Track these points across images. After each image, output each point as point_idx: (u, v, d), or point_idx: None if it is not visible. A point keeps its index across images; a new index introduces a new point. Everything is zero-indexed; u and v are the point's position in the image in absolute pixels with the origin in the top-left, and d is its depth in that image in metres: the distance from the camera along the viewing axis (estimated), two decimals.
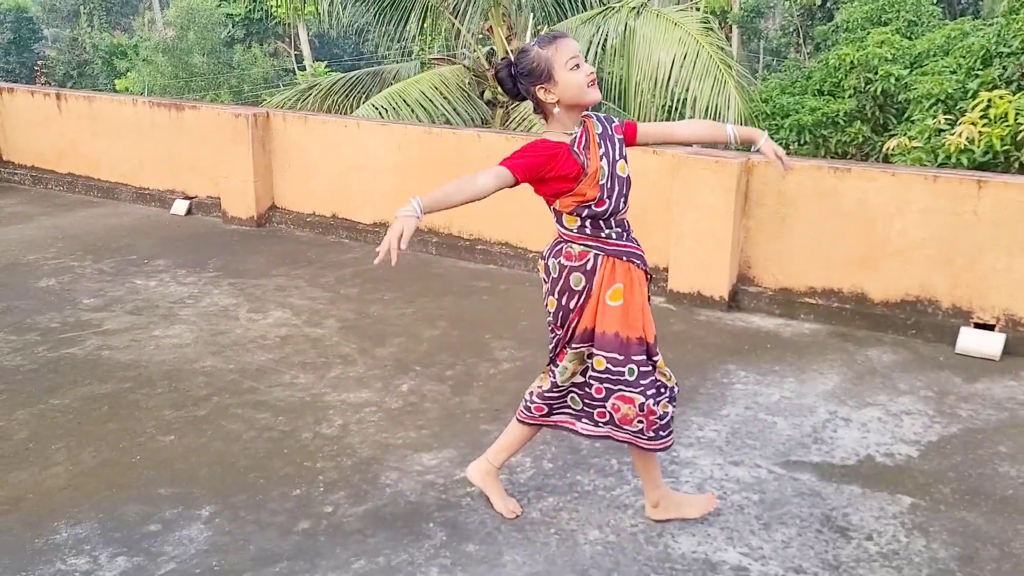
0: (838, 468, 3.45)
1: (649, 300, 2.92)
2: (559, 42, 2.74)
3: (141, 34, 36.50)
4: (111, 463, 3.45)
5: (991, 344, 4.51)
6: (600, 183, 2.75)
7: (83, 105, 8.16)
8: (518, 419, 3.08)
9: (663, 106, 11.91)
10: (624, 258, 2.81)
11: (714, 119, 11.29)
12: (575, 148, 2.75)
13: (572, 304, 2.84)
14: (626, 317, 2.79)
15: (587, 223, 2.79)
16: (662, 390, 2.87)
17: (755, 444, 3.63)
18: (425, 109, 11.29)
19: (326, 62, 32.33)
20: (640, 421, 2.83)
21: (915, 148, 8.36)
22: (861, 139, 13.29)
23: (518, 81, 2.79)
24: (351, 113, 11.85)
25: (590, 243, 2.80)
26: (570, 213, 2.79)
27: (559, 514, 3.13)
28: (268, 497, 3.22)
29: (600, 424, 2.95)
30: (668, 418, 2.89)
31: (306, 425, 3.77)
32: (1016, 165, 7.30)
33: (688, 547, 2.94)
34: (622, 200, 2.81)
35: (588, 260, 2.80)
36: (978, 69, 9.62)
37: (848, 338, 4.80)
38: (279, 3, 12.73)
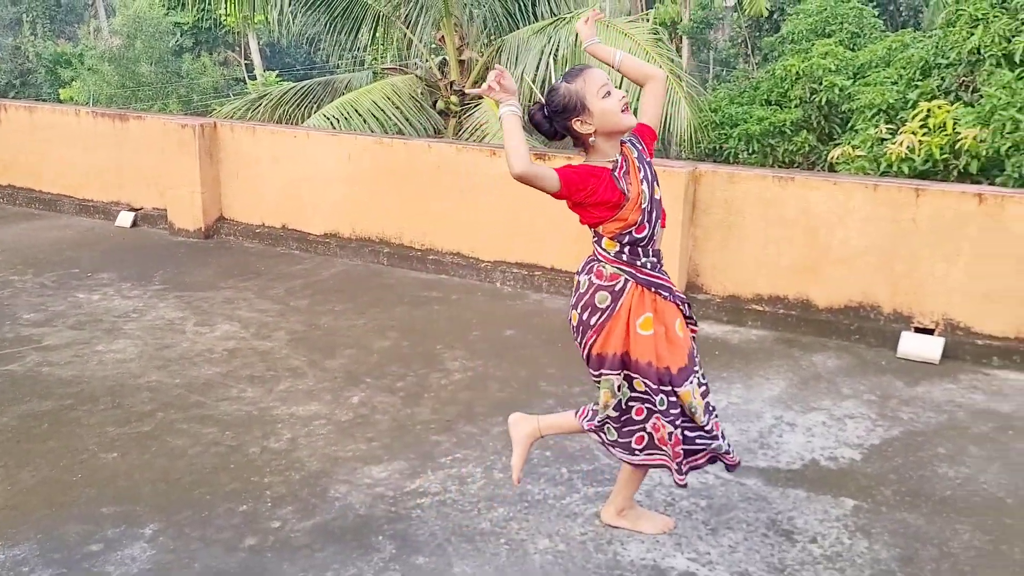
0: (784, 472, 3.51)
1: (693, 333, 2.96)
2: (587, 73, 2.77)
3: (86, 43, 35.76)
4: (51, 482, 3.37)
5: (931, 348, 4.63)
6: (642, 207, 2.78)
7: (24, 115, 7.98)
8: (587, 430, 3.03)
9: None
10: (652, 289, 2.83)
11: (664, 128, 11.44)
12: (616, 174, 2.76)
13: (592, 320, 2.84)
14: (656, 347, 2.82)
15: (626, 249, 2.81)
16: (686, 420, 2.89)
17: None
18: (377, 119, 11.25)
19: (277, 71, 32.02)
20: (668, 448, 2.87)
21: (859, 157, 8.57)
22: (807, 148, 13.56)
23: (553, 120, 2.79)
24: (303, 123, 11.76)
25: (623, 268, 2.82)
26: (611, 238, 2.81)
27: (509, 524, 3.13)
28: (214, 513, 3.17)
29: (636, 452, 2.93)
30: (689, 449, 2.91)
31: (254, 439, 3.72)
32: (955, 173, 7.53)
33: (637, 554, 2.96)
34: (658, 224, 2.84)
35: (618, 282, 2.82)
36: (918, 80, 9.90)
37: (794, 344, 4.88)
38: (229, 12, 12.58)
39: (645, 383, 2.83)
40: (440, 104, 11.74)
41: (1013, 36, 8.51)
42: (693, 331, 2.99)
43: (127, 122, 7.35)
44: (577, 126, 2.77)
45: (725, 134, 14.63)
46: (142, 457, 3.56)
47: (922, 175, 7.62)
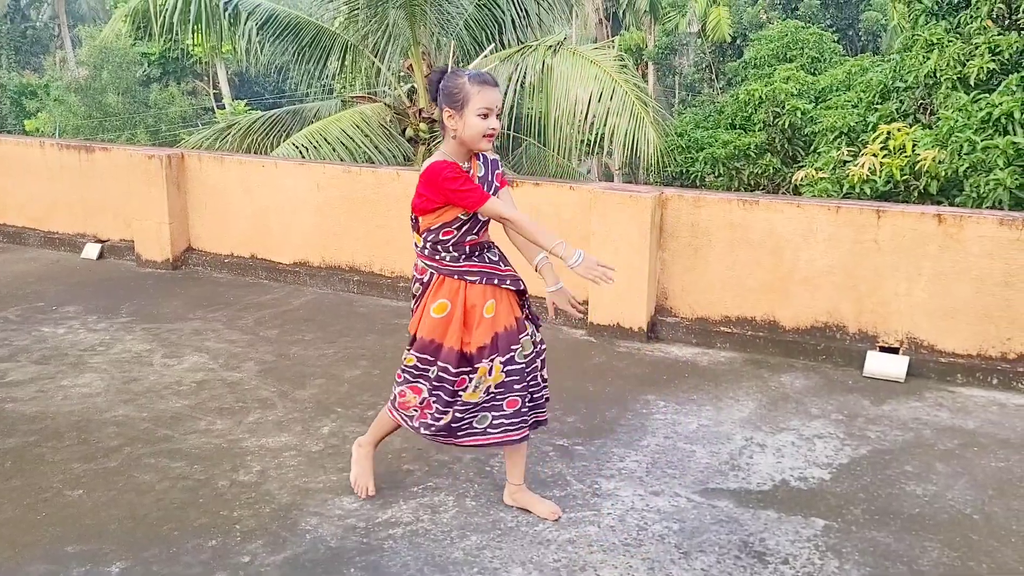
0: (755, 493, 3.53)
1: (524, 314, 3.31)
2: (485, 87, 3.01)
3: (52, 73, 35.51)
4: (14, 521, 3.30)
5: (896, 366, 4.70)
6: (458, 215, 3.09)
7: None
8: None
9: (582, 141, 12.15)
10: (455, 276, 3.16)
11: (631, 152, 11.57)
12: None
13: (413, 306, 3.30)
14: (446, 327, 3.15)
15: (428, 245, 3.18)
16: (454, 397, 3.18)
17: (675, 473, 3.69)
18: (346, 147, 11.28)
19: (246, 100, 31.98)
20: (415, 411, 3.25)
21: (822, 179, 8.72)
22: (772, 171, 13.79)
23: (438, 94, 3.07)
24: (272, 152, 11.75)
25: (429, 263, 3.20)
26: (421, 232, 3.18)
27: (482, 552, 3.11)
28: (182, 549, 3.12)
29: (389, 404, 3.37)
30: (443, 422, 3.20)
31: (223, 473, 3.68)
32: (915, 194, 7.68)
33: None
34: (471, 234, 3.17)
35: (425, 275, 3.23)
36: (877, 103, 10.12)
37: (762, 365, 4.93)
38: (196, 42, 12.57)
39: (423, 357, 3.19)
40: (409, 132, 11.79)
41: (967, 60, 8.74)
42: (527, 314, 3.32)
43: (93, 153, 7.29)
44: (446, 117, 3.05)
45: (691, 158, 14.84)
46: (108, 494, 3.51)
47: (884, 196, 7.78)
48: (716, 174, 14.44)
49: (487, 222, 3.20)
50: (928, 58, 9.10)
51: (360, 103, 12.30)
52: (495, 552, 3.12)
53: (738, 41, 25.64)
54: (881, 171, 7.81)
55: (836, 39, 18.52)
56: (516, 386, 3.19)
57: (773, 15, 26.82)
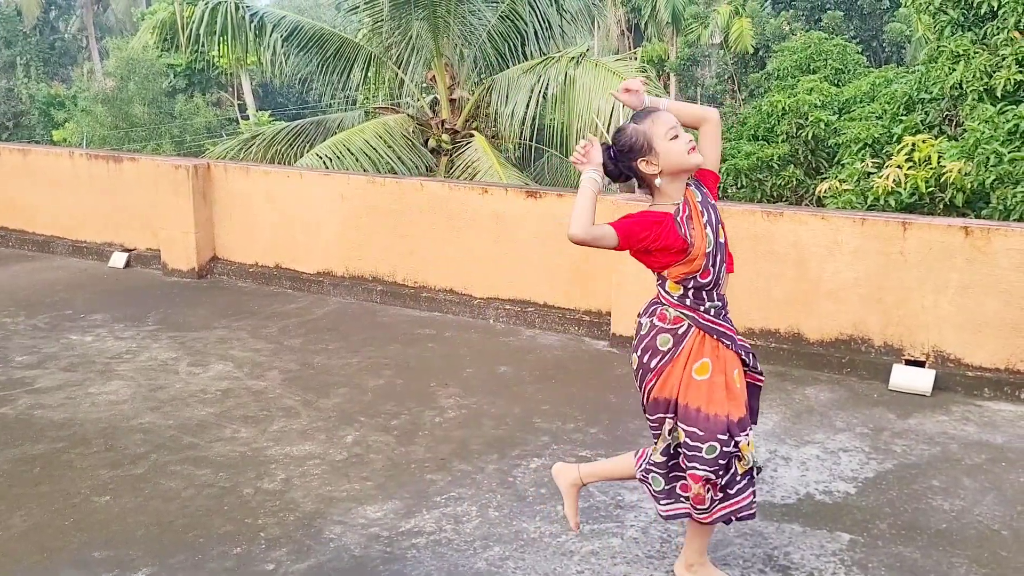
0: (779, 507, 3.51)
1: (756, 381, 2.92)
2: (656, 115, 2.78)
3: (80, 84, 36.02)
4: (43, 527, 3.34)
5: (922, 380, 4.65)
6: (707, 252, 2.77)
7: (17, 158, 8.02)
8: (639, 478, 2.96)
9: None
10: (715, 336, 2.80)
11: None
12: (678, 219, 2.75)
13: (653, 363, 2.83)
14: (711, 394, 2.76)
15: (690, 293, 2.80)
16: (731, 468, 2.80)
17: None
18: (369, 158, 11.34)
19: (270, 111, 32.31)
20: (708, 499, 2.79)
21: (846, 191, 8.67)
22: (795, 182, 13.71)
23: (618, 160, 2.82)
24: (295, 162, 11.84)
25: (686, 312, 2.81)
26: (676, 282, 2.81)
27: (505, 563, 3.11)
28: (207, 556, 3.15)
29: (682, 499, 2.86)
30: (733, 490, 2.81)
31: (247, 481, 3.71)
32: (940, 206, 7.62)
33: None
34: (723, 268, 2.84)
35: (681, 326, 2.81)
36: (902, 115, 10.05)
37: (786, 377, 4.90)
38: (222, 53, 12.72)
39: (689, 431, 2.76)
40: (432, 142, 11.85)
41: (994, 71, 8.67)
42: (758, 381, 2.93)
43: (121, 163, 7.39)
44: (643, 166, 2.77)
45: None
46: (135, 500, 3.54)
47: (908, 208, 7.72)
48: (738, 185, 14.38)
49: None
50: (954, 69, 9.04)
51: (383, 114, 12.38)
52: (518, 563, 3.11)
53: (760, 52, 25.58)
54: (906, 183, 7.76)
55: (860, 50, 18.44)
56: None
57: (796, 26, 26.74)
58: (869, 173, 8.73)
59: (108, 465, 3.84)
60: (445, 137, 11.78)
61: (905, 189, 7.72)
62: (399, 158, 11.39)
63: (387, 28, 11.80)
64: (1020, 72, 8.35)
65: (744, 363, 2.87)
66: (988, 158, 7.42)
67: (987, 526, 3.36)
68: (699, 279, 2.78)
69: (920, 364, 4.77)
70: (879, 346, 4.90)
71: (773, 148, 14.14)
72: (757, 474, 2.88)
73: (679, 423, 2.80)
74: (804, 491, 3.63)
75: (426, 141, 11.89)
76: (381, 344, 5.43)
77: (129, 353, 5.24)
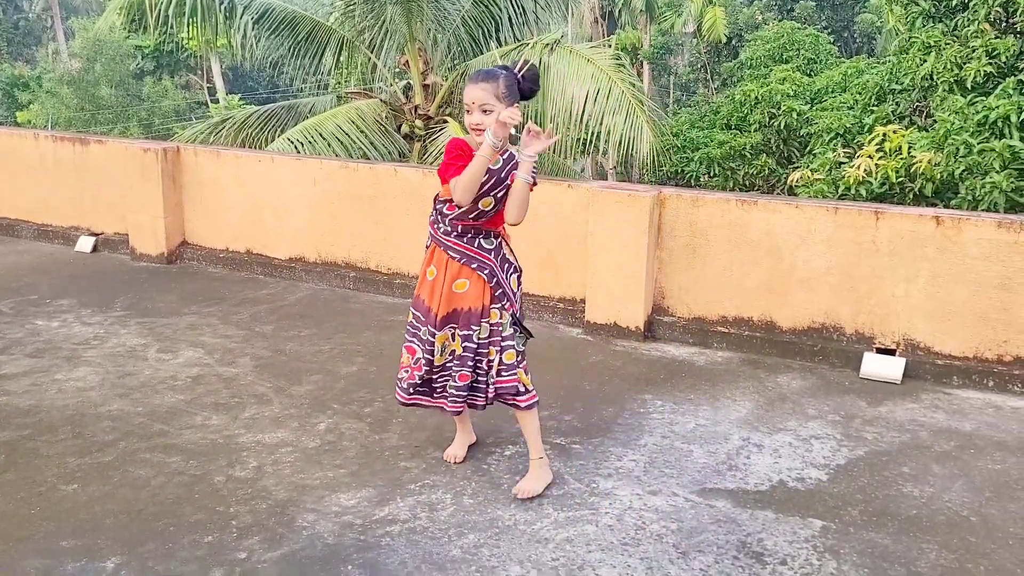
0: (752, 494, 3.53)
1: (497, 305, 3.43)
2: (468, 84, 3.25)
3: (45, 65, 35.29)
4: (8, 516, 3.27)
5: (893, 368, 4.70)
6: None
7: None
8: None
9: (578, 139, 12.15)
10: (442, 248, 3.43)
11: (627, 151, 11.57)
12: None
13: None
14: (431, 292, 3.44)
15: (434, 212, 3.48)
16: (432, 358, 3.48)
17: (672, 473, 3.69)
18: (341, 143, 11.23)
19: (240, 95, 31.89)
20: (406, 370, 3.56)
21: (817, 180, 8.73)
22: (767, 171, 13.81)
23: (520, 85, 3.33)
24: (266, 147, 11.69)
25: (430, 229, 3.50)
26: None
27: (480, 550, 3.10)
28: (178, 545, 3.10)
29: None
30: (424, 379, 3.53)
31: (219, 468, 3.66)
32: (910, 196, 7.70)
33: None
34: (479, 216, 3.37)
35: (428, 241, 3.55)
36: (873, 105, 10.13)
37: (759, 365, 4.93)
38: (191, 35, 12.51)
39: (416, 314, 3.51)
40: (405, 128, 11.75)
41: (964, 63, 8.76)
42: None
43: (88, 146, 7.25)
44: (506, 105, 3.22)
45: (687, 158, 14.86)
46: (103, 488, 3.48)
47: (879, 197, 7.79)
48: (711, 174, 14.45)
49: (492, 214, 3.40)
50: (925, 60, 9.11)
51: (356, 99, 12.25)
52: (493, 550, 3.11)
53: (734, 42, 25.68)
54: (877, 173, 7.83)
55: (831, 40, 18.55)
56: (468, 363, 3.45)
57: (769, 16, 26.87)
58: (840, 163, 8.80)
59: (76, 453, 3.77)
60: (418, 123, 11.69)
61: (876, 179, 7.79)
62: (372, 144, 11.29)
63: (360, 12, 11.67)
64: (990, 64, 8.43)
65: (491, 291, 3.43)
66: (958, 149, 7.50)
67: (956, 512, 3.41)
68: (445, 210, 3.39)
69: (891, 352, 4.82)
70: (851, 334, 4.95)
71: (745, 137, 14.21)
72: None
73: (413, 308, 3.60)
74: (777, 478, 3.66)
75: (399, 127, 11.79)
76: (354, 331, 5.39)
77: (97, 339, 5.15)
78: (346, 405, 4.31)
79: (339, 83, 13.93)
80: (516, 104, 3.23)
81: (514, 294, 3.47)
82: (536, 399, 3.52)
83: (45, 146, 7.46)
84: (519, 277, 3.54)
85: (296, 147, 11.04)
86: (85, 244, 7.15)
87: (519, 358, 3.49)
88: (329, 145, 11.18)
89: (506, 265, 3.48)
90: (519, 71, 3.29)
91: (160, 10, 11.21)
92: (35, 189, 7.56)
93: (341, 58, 12.29)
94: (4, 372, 4.63)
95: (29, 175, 7.57)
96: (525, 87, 3.30)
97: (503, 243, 3.49)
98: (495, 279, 3.42)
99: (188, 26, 11.59)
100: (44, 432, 3.96)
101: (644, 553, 3.10)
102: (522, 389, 3.48)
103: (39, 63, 37.70)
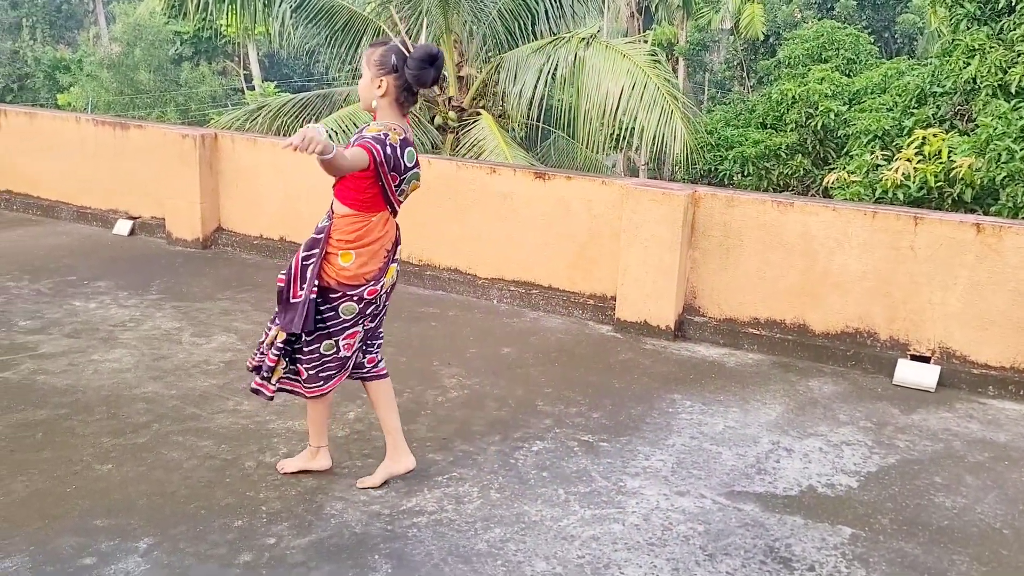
0: (781, 499, 3.51)
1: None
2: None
3: (86, 49, 35.77)
4: (44, 493, 3.34)
5: (927, 376, 4.64)
6: None
7: (23, 121, 7.97)
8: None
9: (611, 134, 12.09)
10: None
11: (660, 148, 11.50)
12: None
13: None
14: None
15: None
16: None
17: (700, 474, 3.67)
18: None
19: (276, 82, 32.11)
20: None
21: (854, 182, 8.62)
22: (802, 172, 13.65)
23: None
24: None
25: None
26: None
27: (506, 545, 3.11)
28: (209, 528, 3.15)
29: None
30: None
31: (250, 453, 3.70)
32: (949, 201, 7.58)
33: None
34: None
35: None
36: (913, 107, 9.97)
37: (790, 368, 4.89)
38: (229, 22, 12.61)
39: None
40: (438, 120, 11.78)
41: (1009, 67, 8.60)
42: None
43: (127, 130, 7.34)
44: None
45: (720, 156, 14.72)
46: (137, 469, 3.54)
47: (917, 202, 7.67)
48: (745, 173, 14.31)
49: (334, 182, 3.30)
50: (968, 64, 8.96)
51: None
52: (519, 545, 3.12)
53: (771, 39, 25.38)
54: (915, 176, 7.71)
55: (872, 41, 18.28)
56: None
57: (808, 14, 26.53)
58: (878, 165, 8.68)
59: (110, 433, 3.83)
60: (452, 115, 11.70)
61: (914, 183, 7.67)
62: None
63: (397, 2, 11.69)
64: None
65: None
66: (1000, 154, 7.37)
67: (989, 524, 3.36)
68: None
69: (925, 360, 4.76)
70: (885, 340, 4.89)
71: (781, 137, 14.06)
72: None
73: None
74: (806, 483, 3.63)
75: (432, 118, 11.82)
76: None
77: (132, 321, 5.22)
78: None
79: None
80: (385, 78, 3.15)
81: (295, 278, 3.26)
82: (267, 392, 3.40)
83: (86, 129, 7.57)
84: (315, 260, 3.25)
85: (330, 136, 11.06)
86: (123, 227, 7.25)
87: (277, 347, 3.32)
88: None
89: (310, 248, 3.29)
90: (411, 47, 3.16)
91: None
92: (75, 172, 7.67)
93: None
94: (43, 351, 4.72)
95: (70, 158, 7.69)
96: (411, 66, 3.13)
97: (326, 228, 3.29)
98: (305, 254, 3.28)
99: (227, 13, 11.69)
100: (80, 412, 4.03)
101: (670, 554, 3.10)
102: (263, 374, 3.37)
103: (80, 46, 38.21)
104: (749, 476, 3.67)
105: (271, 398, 3.47)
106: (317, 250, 3.26)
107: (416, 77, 3.17)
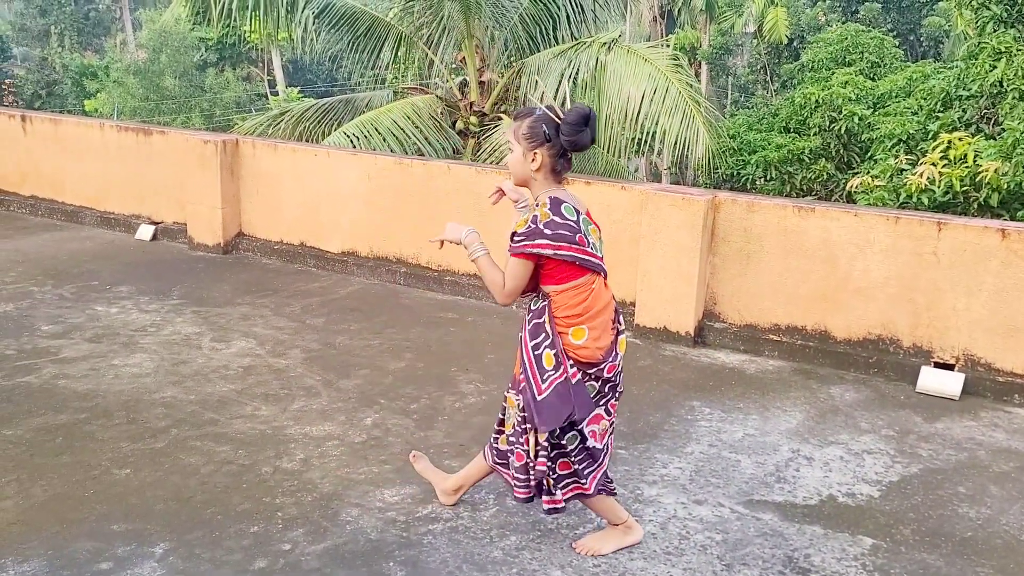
0: (800, 508, 3.46)
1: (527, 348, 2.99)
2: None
3: (112, 55, 36.23)
4: (63, 497, 3.36)
5: (951, 384, 4.57)
6: None
7: (48, 127, 8.07)
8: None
9: (632, 139, 12.06)
10: None
11: (683, 152, 11.44)
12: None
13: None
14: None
15: None
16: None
17: (718, 483, 3.63)
18: (397, 138, 11.31)
19: (299, 88, 32.35)
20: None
21: (878, 187, 8.52)
22: (826, 176, 13.53)
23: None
24: (323, 140, 11.83)
25: None
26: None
27: (521, 553, 3.09)
28: (225, 534, 3.15)
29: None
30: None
31: (266, 459, 3.71)
32: (975, 206, 7.48)
33: None
34: None
35: None
36: (939, 111, 9.85)
37: (811, 375, 4.83)
38: (253, 28, 12.71)
39: None
40: (459, 124, 11.79)
41: None
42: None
43: (150, 136, 7.41)
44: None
45: (743, 160, 14.63)
46: (155, 474, 3.56)
47: (942, 207, 7.56)
48: (767, 178, 14.21)
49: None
50: (995, 67, 8.83)
51: (412, 94, 12.33)
52: (534, 554, 3.09)
53: (795, 43, 25.22)
54: (940, 181, 7.61)
55: (897, 44, 18.10)
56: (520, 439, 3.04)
57: (832, 18, 26.33)
58: (902, 170, 8.57)
59: (129, 438, 3.85)
60: (473, 119, 11.71)
61: (939, 187, 7.57)
62: (426, 139, 11.35)
63: (419, 8, 11.73)
64: None
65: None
66: None
67: (1014, 536, 3.30)
68: None
69: (949, 367, 4.68)
70: (908, 347, 4.82)
71: (805, 141, 13.94)
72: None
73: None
74: (827, 492, 3.58)
75: (454, 123, 11.83)
76: (403, 326, 5.42)
77: (153, 326, 5.26)
78: (393, 401, 4.33)
79: (396, 78, 14.03)
80: (538, 150, 2.88)
81: (534, 373, 2.91)
82: (558, 505, 3.07)
83: (109, 135, 7.65)
84: (557, 355, 2.88)
85: (352, 141, 11.15)
86: (145, 232, 7.32)
87: (528, 456, 3.00)
88: (384, 140, 11.27)
89: (536, 335, 2.95)
90: (561, 112, 2.90)
91: (224, 3, 11.40)
92: (99, 177, 7.75)
93: (399, 53, 12.38)
94: (64, 356, 4.76)
95: (94, 163, 7.78)
96: (565, 132, 2.85)
97: (545, 308, 2.94)
98: (519, 348, 3.02)
99: (251, 19, 11.78)
100: (100, 416, 4.06)
101: (687, 564, 3.06)
102: (547, 489, 3.06)
103: (107, 53, 38.71)
104: (768, 485, 3.63)
105: (563, 508, 3.11)
106: (544, 334, 2.92)
107: (572, 143, 2.88)
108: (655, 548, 3.15)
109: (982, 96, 9.15)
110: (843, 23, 20.87)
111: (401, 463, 3.71)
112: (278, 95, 29.72)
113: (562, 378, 2.88)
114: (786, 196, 13.18)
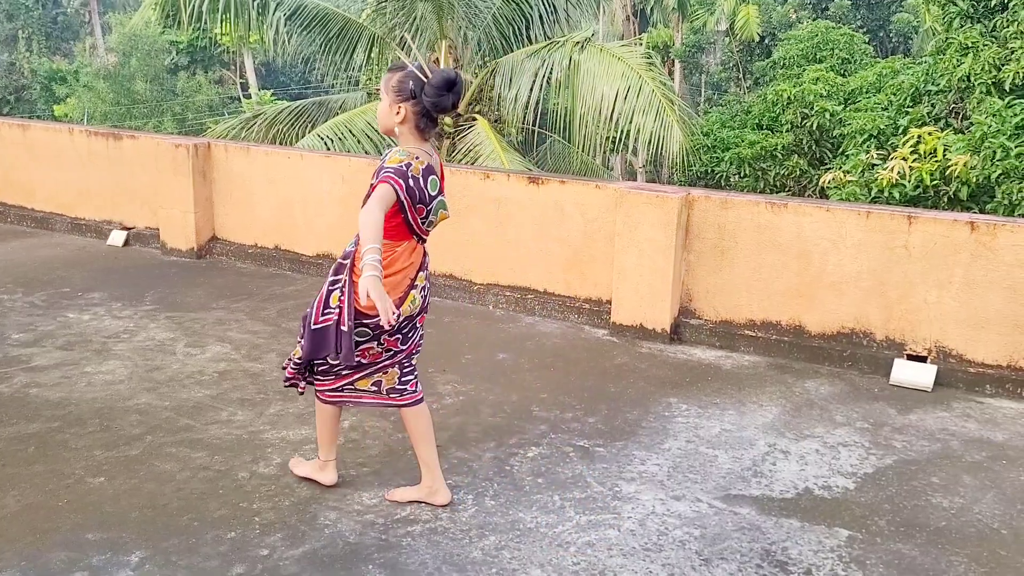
0: (777, 501, 3.49)
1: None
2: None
3: (82, 60, 35.82)
4: (36, 507, 3.32)
5: (924, 375, 4.63)
6: None
7: (17, 133, 7.96)
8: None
9: (607, 137, 12.10)
10: None
11: (657, 150, 11.50)
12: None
13: None
14: None
15: None
16: None
17: (696, 478, 3.65)
18: (371, 139, 11.29)
19: (272, 91, 32.13)
20: None
21: (849, 182, 8.62)
22: (798, 172, 13.65)
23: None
24: (297, 142, 11.77)
25: None
26: None
27: (501, 553, 3.09)
28: (201, 540, 3.13)
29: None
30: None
31: (243, 464, 3.68)
32: (945, 199, 7.58)
33: None
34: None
35: None
36: (908, 106, 9.97)
37: (786, 370, 4.88)
38: (224, 31, 12.64)
39: None
40: None
41: (1002, 64, 8.60)
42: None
43: (120, 141, 7.33)
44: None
45: (717, 157, 14.74)
46: (129, 482, 3.52)
47: (913, 200, 7.67)
48: (742, 174, 14.32)
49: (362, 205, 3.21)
50: (962, 62, 8.96)
51: None
52: (514, 553, 3.10)
53: (767, 40, 25.42)
54: (911, 175, 7.71)
55: (866, 40, 18.30)
56: None
57: (803, 15, 26.55)
58: (874, 165, 8.67)
59: (103, 446, 3.81)
60: (447, 120, 11.70)
61: (909, 182, 7.67)
62: None
63: (391, 8, 11.72)
64: None
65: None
66: (995, 152, 7.36)
67: (987, 524, 3.34)
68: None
69: (922, 359, 4.74)
70: (881, 340, 4.87)
71: (777, 137, 14.07)
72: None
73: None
74: (803, 486, 3.61)
75: None
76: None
77: (126, 333, 5.21)
78: None
79: (369, 79, 13.99)
80: (403, 104, 3.05)
81: (319, 304, 3.21)
82: (296, 384, 3.40)
83: (79, 140, 7.56)
84: (340, 299, 3.13)
85: (326, 143, 11.11)
86: (117, 238, 7.24)
87: (295, 363, 3.34)
88: (359, 142, 11.24)
89: (337, 272, 3.21)
90: (429, 72, 3.04)
91: (194, 6, 11.32)
92: (70, 183, 7.66)
93: (372, 54, 12.35)
94: (36, 364, 4.70)
95: (64, 169, 7.68)
96: (428, 93, 3.01)
97: (352, 253, 3.19)
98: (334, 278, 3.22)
99: (222, 22, 11.70)
100: (73, 424, 4.01)
101: (666, 559, 3.08)
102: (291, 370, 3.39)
103: (77, 57, 38.26)
104: (745, 479, 3.65)
105: (295, 386, 3.43)
106: (344, 276, 3.15)
107: (434, 104, 3.03)
108: (634, 544, 3.16)
109: (950, 91, 9.28)
110: (813, 20, 21.06)
111: (379, 465, 3.70)
112: (251, 98, 29.53)
113: (335, 318, 3.13)
114: (760, 192, 13.30)
